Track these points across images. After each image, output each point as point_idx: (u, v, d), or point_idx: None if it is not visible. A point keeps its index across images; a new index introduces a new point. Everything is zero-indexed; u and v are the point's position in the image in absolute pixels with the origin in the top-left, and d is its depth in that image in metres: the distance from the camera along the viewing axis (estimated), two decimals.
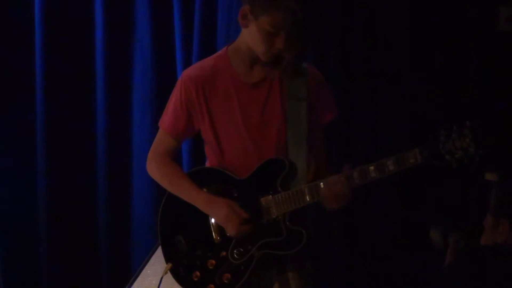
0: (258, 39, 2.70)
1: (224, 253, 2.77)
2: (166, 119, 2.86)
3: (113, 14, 4.17)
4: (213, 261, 2.78)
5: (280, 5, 2.63)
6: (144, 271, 3.37)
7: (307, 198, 2.71)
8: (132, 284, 3.40)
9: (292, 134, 2.76)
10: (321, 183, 2.69)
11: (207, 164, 2.90)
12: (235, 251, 2.75)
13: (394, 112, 3.92)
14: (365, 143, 3.93)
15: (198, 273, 2.79)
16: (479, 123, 2.54)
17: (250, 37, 2.73)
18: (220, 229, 2.78)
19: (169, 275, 2.85)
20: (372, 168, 2.66)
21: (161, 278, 2.86)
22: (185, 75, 2.85)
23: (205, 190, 2.81)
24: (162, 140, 2.89)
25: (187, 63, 4.00)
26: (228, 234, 2.76)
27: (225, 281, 2.75)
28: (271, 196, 2.74)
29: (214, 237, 2.79)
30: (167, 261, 2.85)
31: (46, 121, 4.17)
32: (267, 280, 2.81)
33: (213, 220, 2.80)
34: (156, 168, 2.88)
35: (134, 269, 3.52)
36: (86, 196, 4.22)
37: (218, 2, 3.99)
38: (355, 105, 3.97)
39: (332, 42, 3.97)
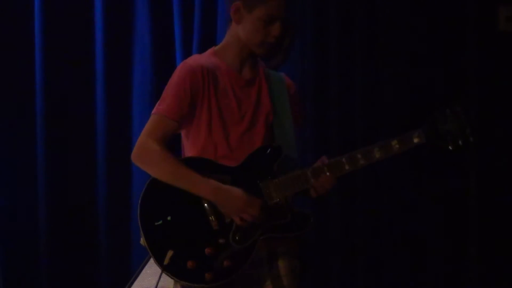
0: (254, 31, 2.73)
1: (222, 240, 2.71)
2: (166, 104, 2.75)
3: (113, 14, 4.17)
4: (210, 249, 2.71)
5: None
6: (144, 271, 3.38)
7: (312, 180, 2.72)
8: (132, 284, 3.41)
9: (279, 130, 2.80)
10: (325, 167, 2.72)
11: None
12: (237, 235, 2.71)
13: (394, 112, 3.92)
14: (365, 144, 3.92)
15: (192, 262, 2.69)
16: (470, 107, 2.64)
17: (243, 32, 2.75)
18: (217, 215, 2.72)
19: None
20: (376, 148, 2.71)
21: (164, 266, 2.71)
22: (189, 63, 2.79)
23: None
24: (159, 124, 2.75)
25: None
26: (228, 221, 2.70)
27: (225, 268, 2.70)
28: (269, 180, 2.74)
29: (212, 224, 2.72)
30: (153, 253, 2.73)
31: (46, 121, 4.18)
32: (259, 276, 2.80)
33: (206, 206, 2.72)
34: (155, 152, 2.72)
35: (134, 269, 3.52)
36: (86, 195, 4.22)
37: (218, 2, 4.00)
38: (355, 106, 3.98)
39: (332, 42, 3.97)
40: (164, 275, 2.73)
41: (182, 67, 2.80)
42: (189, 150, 2.84)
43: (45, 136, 4.18)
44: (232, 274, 2.71)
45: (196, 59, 2.84)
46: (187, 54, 4.06)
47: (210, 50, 2.86)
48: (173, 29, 4.12)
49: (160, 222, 2.75)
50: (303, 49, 3.95)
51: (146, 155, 2.77)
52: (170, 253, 2.70)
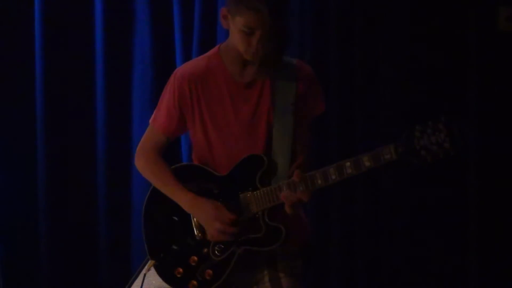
0: (237, 39, 2.72)
1: (205, 250, 2.79)
2: (159, 117, 2.87)
3: (113, 14, 4.17)
4: (195, 258, 2.79)
5: (249, 5, 2.64)
6: (144, 271, 3.37)
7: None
8: (132, 284, 3.41)
9: (278, 132, 2.78)
10: (299, 181, 2.69)
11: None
12: (216, 247, 2.77)
13: (394, 112, 3.92)
14: (364, 143, 3.93)
15: (180, 270, 2.81)
16: (454, 119, 2.53)
17: (232, 37, 2.76)
18: (201, 226, 2.80)
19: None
20: (348, 164, 2.65)
21: (144, 275, 2.94)
22: (179, 73, 2.85)
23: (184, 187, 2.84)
24: (152, 137, 2.90)
25: None
26: (208, 236, 2.78)
27: (207, 278, 2.77)
28: (250, 192, 2.75)
29: (196, 233, 2.81)
30: (150, 257, 2.89)
31: (46, 121, 4.18)
32: (258, 277, 2.82)
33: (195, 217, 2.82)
34: (144, 164, 2.90)
35: (134, 269, 3.52)
36: (86, 195, 4.23)
37: (218, 2, 4.00)
38: (355, 106, 3.97)
39: (332, 42, 3.97)
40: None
41: (173, 78, 2.85)
42: (193, 152, 2.90)
43: (45, 136, 4.18)
44: (214, 283, 2.76)
45: (187, 69, 2.86)
46: (187, 54, 4.06)
47: (215, 49, 2.87)
48: (173, 29, 4.12)
49: (158, 226, 2.88)
50: (303, 50, 3.95)
51: (138, 164, 2.94)
52: (151, 263, 2.87)
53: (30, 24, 4.17)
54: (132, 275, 3.43)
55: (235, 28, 2.70)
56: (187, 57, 4.05)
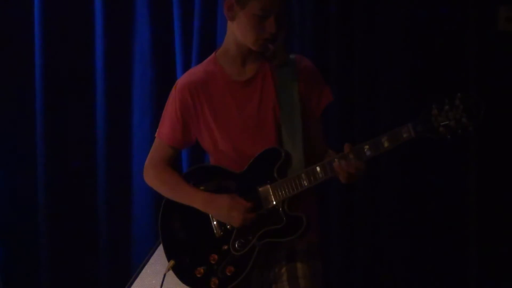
0: (248, 27, 2.72)
1: (225, 247, 2.78)
2: (163, 129, 2.89)
3: (113, 14, 4.17)
4: (215, 256, 2.79)
5: None
6: (144, 271, 3.38)
7: (304, 182, 2.71)
8: (132, 284, 3.41)
9: (286, 126, 2.78)
10: (317, 167, 2.70)
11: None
12: (236, 242, 2.76)
13: (393, 113, 3.93)
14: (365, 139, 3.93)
15: (201, 270, 2.80)
16: (470, 94, 2.52)
17: (238, 29, 2.75)
18: (221, 223, 2.80)
19: (171, 274, 2.87)
20: (367, 146, 2.65)
21: (164, 275, 2.88)
22: (179, 83, 2.87)
23: (202, 188, 2.83)
24: (159, 149, 2.92)
25: (186, 64, 4.01)
26: (230, 227, 2.77)
27: (229, 274, 2.76)
28: (268, 184, 2.75)
29: (215, 231, 2.80)
30: (168, 259, 2.87)
31: (46, 121, 4.18)
32: (277, 275, 2.81)
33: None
34: (154, 176, 2.91)
35: (134, 269, 3.52)
36: (86, 196, 4.23)
37: (218, 3, 4.00)
38: (354, 105, 3.98)
39: (332, 41, 3.98)
40: (168, 278, 2.80)
41: (174, 90, 2.86)
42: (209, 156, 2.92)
43: (45, 136, 4.19)
44: (235, 280, 2.75)
45: (186, 78, 2.88)
46: (187, 54, 4.06)
47: (212, 55, 2.88)
48: (173, 29, 4.12)
49: (176, 231, 2.88)
50: (302, 46, 3.95)
51: (147, 178, 2.94)
52: (171, 263, 2.84)
53: (30, 24, 4.17)
54: (132, 275, 3.44)
55: (247, 15, 2.71)
56: (187, 57, 4.06)
